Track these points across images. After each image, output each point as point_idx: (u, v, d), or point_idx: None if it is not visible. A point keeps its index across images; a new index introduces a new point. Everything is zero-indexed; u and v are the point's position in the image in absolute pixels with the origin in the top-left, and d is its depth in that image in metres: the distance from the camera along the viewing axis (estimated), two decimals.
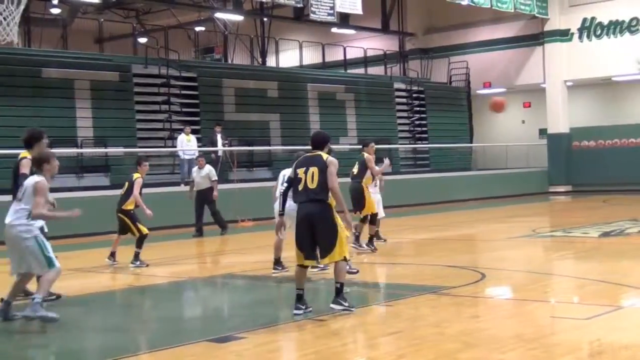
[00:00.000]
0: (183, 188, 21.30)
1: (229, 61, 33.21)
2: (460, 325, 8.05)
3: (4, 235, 8.63)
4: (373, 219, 14.46)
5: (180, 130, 24.18)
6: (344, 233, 8.82)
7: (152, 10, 37.66)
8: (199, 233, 19.22)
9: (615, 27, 32.32)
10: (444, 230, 20.10)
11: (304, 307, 8.65)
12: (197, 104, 26.82)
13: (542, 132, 35.44)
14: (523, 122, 37.84)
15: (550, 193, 33.16)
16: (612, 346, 7.25)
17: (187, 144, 23.30)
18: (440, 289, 10.20)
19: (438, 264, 12.82)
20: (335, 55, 35.86)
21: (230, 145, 25.24)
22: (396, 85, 33.66)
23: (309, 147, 9.11)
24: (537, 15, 32.79)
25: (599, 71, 32.89)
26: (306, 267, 8.86)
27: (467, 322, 8.27)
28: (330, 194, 8.69)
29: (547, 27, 33.68)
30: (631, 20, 31.84)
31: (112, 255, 13.81)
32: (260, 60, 34.93)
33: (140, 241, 13.53)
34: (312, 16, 25.41)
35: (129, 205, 13.56)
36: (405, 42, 37.35)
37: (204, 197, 19.00)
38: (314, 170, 8.68)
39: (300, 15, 29.71)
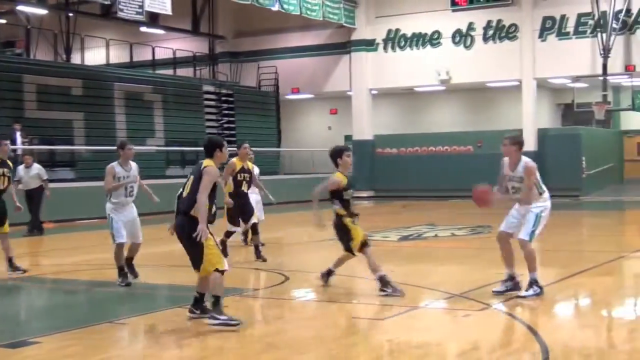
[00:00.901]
0: None
1: (31, 56, 31.93)
2: (264, 327, 8.09)
3: None
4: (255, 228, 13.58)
5: None
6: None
7: None
8: (31, 232, 18.93)
9: (419, 40, 33.62)
10: (273, 231, 20.11)
11: (198, 312, 8.34)
12: None
13: (348, 138, 36.33)
14: (329, 128, 38.67)
15: (354, 198, 34.00)
16: (406, 345, 7.50)
17: None
18: (245, 291, 10.22)
19: (243, 267, 12.84)
20: (143, 55, 35.28)
21: (31, 144, 24.23)
22: (205, 88, 33.51)
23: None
24: (344, 24, 33.63)
25: (402, 81, 34.11)
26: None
27: (270, 324, 8.32)
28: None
29: (354, 37, 34.59)
30: (433, 33, 33.23)
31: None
32: (64, 56, 33.80)
33: None
34: (120, 14, 24.90)
35: None
36: (215, 45, 37.28)
37: (33, 197, 18.44)
38: (191, 178, 8.26)
39: (107, 13, 28.98)
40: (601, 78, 30.12)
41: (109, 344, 7.67)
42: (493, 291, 9.56)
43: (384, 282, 9.66)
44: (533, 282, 9.40)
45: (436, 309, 9.44)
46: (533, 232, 9.41)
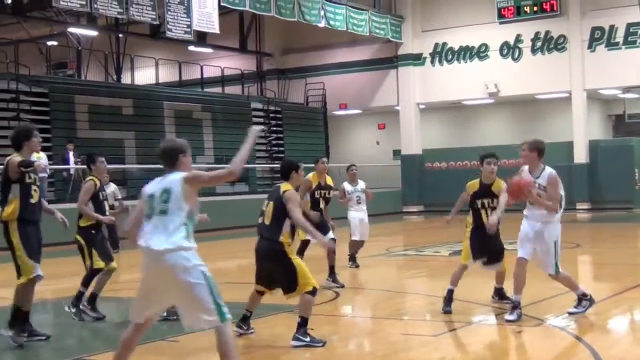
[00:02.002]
0: None
1: (83, 77, 32.44)
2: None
3: None
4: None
5: None
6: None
7: (2, 23, 36.34)
8: (113, 247, 19.08)
9: (466, 53, 33.50)
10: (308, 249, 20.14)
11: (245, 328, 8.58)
12: (49, 120, 25.99)
13: (396, 153, 36.27)
14: (378, 143, 38.64)
15: (404, 213, 33.93)
16: None
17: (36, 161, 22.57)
18: (297, 308, 10.22)
19: None
20: (192, 73, 35.63)
21: (83, 163, 24.55)
22: (253, 105, 33.71)
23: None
24: (391, 39, 33.63)
25: (450, 95, 33.99)
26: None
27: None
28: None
29: (401, 51, 34.57)
30: (480, 46, 33.08)
31: None
32: (115, 77, 34.29)
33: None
34: (169, 34, 25.15)
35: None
36: (263, 62, 37.52)
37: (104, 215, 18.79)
38: (270, 204, 8.30)
39: (156, 33, 29.37)
40: None
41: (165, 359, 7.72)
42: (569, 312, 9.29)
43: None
44: (581, 298, 9.25)
45: (489, 324, 9.36)
46: (556, 263, 9.15)
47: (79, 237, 9.98)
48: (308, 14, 28.60)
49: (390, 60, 35.05)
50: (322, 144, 35.92)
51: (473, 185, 9.78)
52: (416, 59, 34.42)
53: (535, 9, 31.77)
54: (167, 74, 36.16)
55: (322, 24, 29.52)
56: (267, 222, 8.27)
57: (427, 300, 11.38)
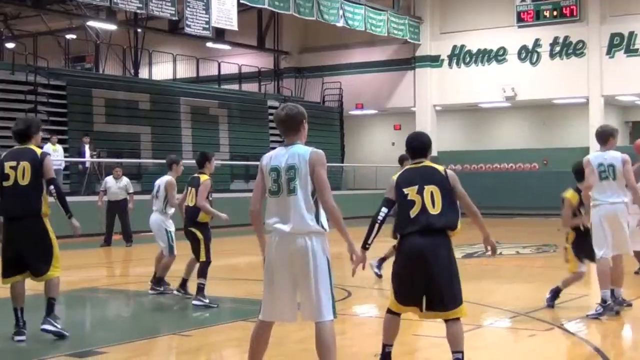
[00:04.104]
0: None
1: (100, 71, 32.56)
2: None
3: None
4: None
5: (47, 140, 23.49)
6: None
7: (21, 15, 36.51)
8: (107, 243, 19.40)
9: (484, 56, 33.41)
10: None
11: None
12: (65, 113, 26.11)
13: None
14: (393, 144, 38.52)
15: None
16: None
17: (52, 154, 22.66)
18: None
19: None
20: (209, 70, 35.68)
21: (99, 157, 24.69)
22: (270, 103, 33.72)
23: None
24: (409, 40, 33.58)
25: (466, 97, 33.90)
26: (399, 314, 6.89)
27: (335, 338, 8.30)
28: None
29: (419, 53, 34.52)
30: (499, 49, 32.99)
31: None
32: (132, 71, 34.38)
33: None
34: (187, 30, 25.21)
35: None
36: (280, 60, 37.53)
37: (118, 208, 19.01)
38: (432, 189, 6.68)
39: (175, 28, 29.45)
40: None
41: (173, 356, 7.74)
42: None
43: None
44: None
45: (500, 328, 9.33)
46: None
47: (196, 231, 10.41)
48: (327, 13, 28.59)
49: (408, 62, 34.99)
50: (337, 144, 35.91)
51: (574, 197, 9.58)
52: (434, 60, 34.34)
53: (554, 13, 31.65)
54: (185, 70, 36.24)
55: (340, 24, 29.49)
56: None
57: None
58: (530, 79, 32.27)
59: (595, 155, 9.46)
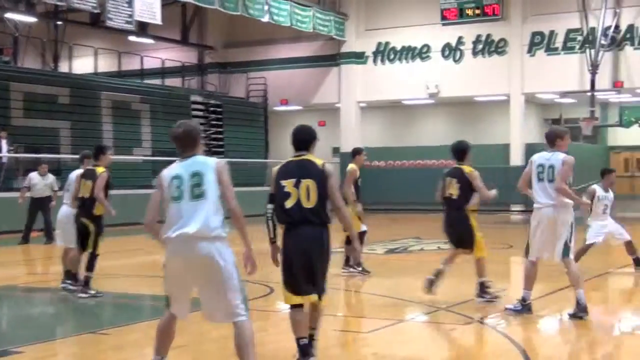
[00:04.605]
0: None
1: (19, 64, 31.79)
2: None
3: None
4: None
5: None
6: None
7: None
8: (25, 240, 19.03)
9: (408, 53, 33.67)
10: (236, 244, 20.06)
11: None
12: None
13: (335, 150, 36.30)
14: (317, 140, 38.61)
15: None
16: (390, 358, 7.44)
17: None
18: None
19: None
20: (131, 64, 35.19)
21: (17, 152, 24.09)
22: (193, 98, 33.41)
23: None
24: (334, 36, 33.66)
25: (391, 94, 34.13)
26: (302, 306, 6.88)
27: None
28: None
29: (344, 49, 34.62)
30: (422, 47, 33.29)
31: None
32: (52, 65, 33.69)
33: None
34: (109, 23, 24.79)
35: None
36: (204, 55, 37.23)
37: (42, 205, 18.55)
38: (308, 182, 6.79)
39: (96, 21, 28.93)
40: (589, 94, 30.20)
41: (91, 355, 7.58)
42: None
43: None
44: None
45: (422, 322, 9.39)
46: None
47: (89, 223, 10.52)
48: (252, 8, 28.46)
49: (333, 58, 35.06)
50: (262, 139, 35.81)
51: None
52: (359, 57, 34.49)
53: (477, 12, 32.06)
54: (106, 64, 35.68)
55: (265, 19, 29.39)
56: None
57: (362, 297, 11.40)
58: (453, 76, 32.65)
59: (539, 155, 9.29)
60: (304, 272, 6.69)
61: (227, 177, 6.02)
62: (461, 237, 10.22)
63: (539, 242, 9.14)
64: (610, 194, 12.77)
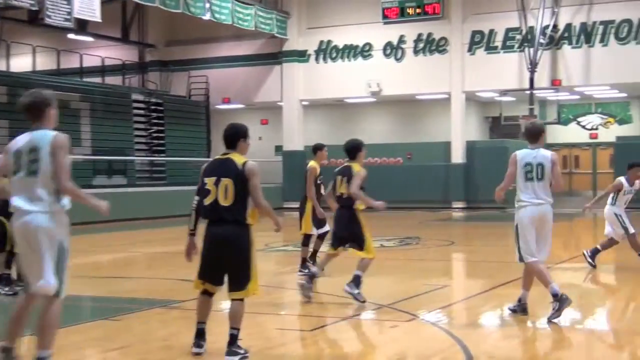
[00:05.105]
0: None
1: None
2: (190, 339, 7.96)
3: None
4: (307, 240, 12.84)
5: None
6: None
7: None
8: None
9: (350, 51, 33.79)
10: (180, 243, 19.94)
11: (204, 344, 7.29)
12: None
13: (278, 149, 36.30)
14: (260, 138, 38.57)
15: (285, 209, 33.94)
16: (332, 356, 7.47)
17: None
18: (171, 303, 10.08)
19: (171, 277, 12.66)
20: (71, 62, 34.70)
21: None
22: (134, 97, 33.08)
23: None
24: (276, 35, 33.61)
25: (333, 92, 34.21)
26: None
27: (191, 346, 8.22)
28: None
29: (286, 47, 34.60)
30: (364, 45, 33.43)
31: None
32: None
33: None
34: (48, 20, 24.41)
35: None
36: (145, 53, 36.90)
37: None
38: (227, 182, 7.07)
39: (34, 19, 28.42)
40: (528, 92, 30.63)
41: (30, 357, 7.45)
42: None
43: None
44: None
45: (364, 320, 9.43)
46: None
47: (6, 222, 10.15)
48: (193, 5, 28.28)
49: (275, 56, 35.01)
50: (204, 138, 35.64)
51: None
52: (301, 55, 34.51)
53: (418, 11, 32.31)
54: (45, 62, 35.14)
55: (207, 17, 29.23)
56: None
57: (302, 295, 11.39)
58: (394, 74, 32.85)
59: (525, 153, 8.94)
60: (216, 266, 7.07)
61: (60, 153, 6.23)
62: (352, 235, 10.12)
63: (533, 241, 8.80)
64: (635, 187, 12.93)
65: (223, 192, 7.01)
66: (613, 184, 13.02)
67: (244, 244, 7.06)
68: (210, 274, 7.14)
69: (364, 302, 9.66)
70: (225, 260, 7.05)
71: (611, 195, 12.90)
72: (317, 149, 13.00)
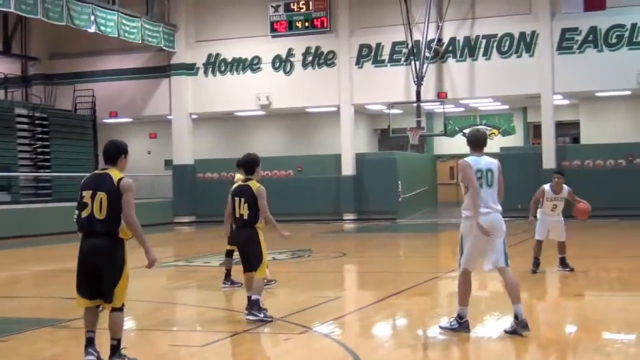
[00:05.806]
0: None
1: None
2: (77, 358, 7.77)
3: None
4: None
5: None
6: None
7: None
8: None
9: (239, 65, 33.70)
10: (68, 261, 19.44)
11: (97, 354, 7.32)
12: None
13: (168, 163, 35.87)
14: (149, 152, 38.09)
15: (175, 223, 33.58)
16: None
17: None
18: (59, 322, 9.81)
19: (59, 296, 12.33)
20: None
21: None
22: (17, 111, 32.11)
23: None
24: (164, 47, 33.25)
25: (222, 106, 34.04)
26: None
27: (83, 355, 8.00)
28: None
29: (174, 60, 34.24)
30: (253, 58, 33.39)
31: None
32: None
33: None
34: None
35: None
36: (29, 66, 35.95)
37: None
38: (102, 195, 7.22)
39: None
40: (415, 104, 31.16)
41: None
42: None
43: None
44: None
45: (257, 333, 9.38)
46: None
47: None
48: (77, 18, 27.69)
49: (163, 69, 34.62)
50: (90, 153, 34.84)
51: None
52: (189, 68, 34.23)
53: (306, 24, 32.52)
54: None
55: (92, 29, 28.67)
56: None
57: (196, 310, 11.29)
58: (284, 88, 32.94)
59: (473, 160, 8.63)
60: (90, 279, 7.21)
61: None
62: (250, 257, 9.88)
63: (478, 250, 8.59)
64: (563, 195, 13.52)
65: (98, 206, 7.18)
66: (537, 190, 13.66)
67: (116, 256, 7.22)
68: (84, 287, 7.25)
69: (271, 320, 9.49)
70: (98, 270, 7.16)
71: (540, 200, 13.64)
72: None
